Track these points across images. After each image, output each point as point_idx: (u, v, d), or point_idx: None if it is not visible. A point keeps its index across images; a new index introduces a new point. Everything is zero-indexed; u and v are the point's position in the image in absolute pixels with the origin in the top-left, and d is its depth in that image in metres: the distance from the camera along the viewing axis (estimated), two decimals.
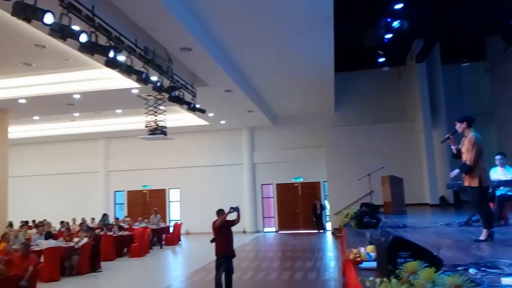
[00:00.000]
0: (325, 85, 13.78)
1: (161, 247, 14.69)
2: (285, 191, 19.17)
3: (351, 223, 8.06)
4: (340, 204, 15.57)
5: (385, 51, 11.93)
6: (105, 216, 16.85)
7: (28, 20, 4.99)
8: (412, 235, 6.43)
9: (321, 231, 18.02)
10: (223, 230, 7.18)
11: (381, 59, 12.98)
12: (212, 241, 7.31)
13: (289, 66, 11.70)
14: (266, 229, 19.21)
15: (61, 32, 5.39)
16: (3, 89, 11.70)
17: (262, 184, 19.32)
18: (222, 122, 17.58)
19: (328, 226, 18.12)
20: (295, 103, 16.31)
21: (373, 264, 3.44)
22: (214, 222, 7.27)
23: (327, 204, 18.14)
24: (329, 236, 16.64)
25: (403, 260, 2.56)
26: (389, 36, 10.49)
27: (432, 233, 6.77)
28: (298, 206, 18.94)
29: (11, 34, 8.17)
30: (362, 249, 3.85)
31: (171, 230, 16.27)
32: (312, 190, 18.82)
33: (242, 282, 8.32)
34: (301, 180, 19.06)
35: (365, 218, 7.63)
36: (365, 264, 3.60)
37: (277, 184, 19.22)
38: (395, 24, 9.83)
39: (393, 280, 2.38)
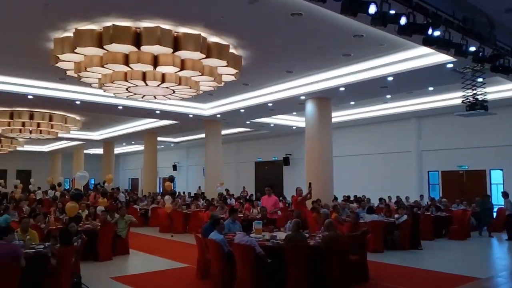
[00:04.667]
0: None
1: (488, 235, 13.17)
2: None
3: None
4: None
5: None
6: (485, 198, 14.19)
7: (354, 14, 5.54)
8: None
9: None
10: None
11: None
12: None
13: None
14: None
15: (381, 19, 5.72)
16: (327, 81, 13.50)
17: None
18: None
19: None
20: None
21: None
22: None
23: None
24: None
25: None
26: None
27: None
28: None
29: (333, 31, 9.29)
30: None
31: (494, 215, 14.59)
32: None
33: None
34: None
35: None
36: None
37: None
38: None
39: None
